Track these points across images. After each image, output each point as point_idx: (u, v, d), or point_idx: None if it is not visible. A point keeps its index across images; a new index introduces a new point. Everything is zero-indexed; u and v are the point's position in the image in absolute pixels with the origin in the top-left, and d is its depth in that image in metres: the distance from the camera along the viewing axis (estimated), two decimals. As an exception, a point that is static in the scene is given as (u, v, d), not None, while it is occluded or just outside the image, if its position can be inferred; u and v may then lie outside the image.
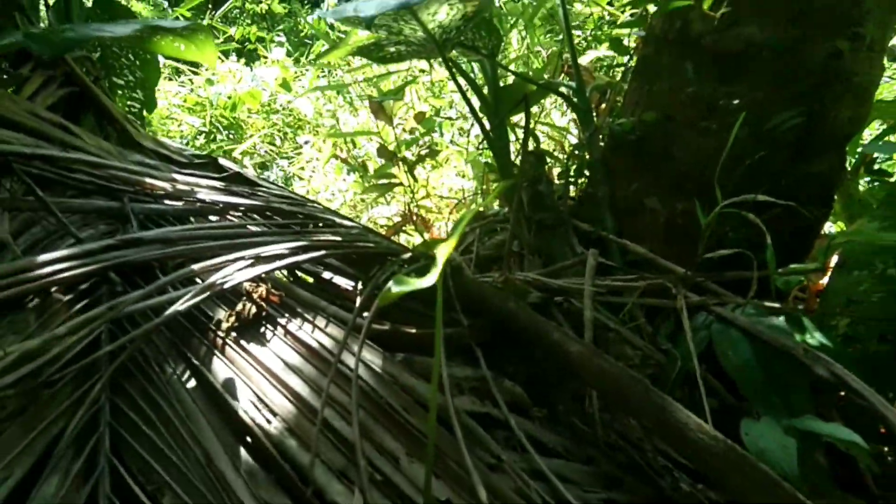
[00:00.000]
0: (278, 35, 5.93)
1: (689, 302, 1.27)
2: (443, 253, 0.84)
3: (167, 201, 1.60)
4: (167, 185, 1.65)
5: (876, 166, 1.99)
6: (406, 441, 1.00)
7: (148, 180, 1.62)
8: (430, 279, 0.77)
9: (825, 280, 1.54)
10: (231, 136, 4.45)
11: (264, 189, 1.88)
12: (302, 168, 3.82)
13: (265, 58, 5.21)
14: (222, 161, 2.04)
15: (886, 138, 1.73)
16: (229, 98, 4.44)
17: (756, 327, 1.19)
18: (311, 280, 1.48)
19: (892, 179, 1.83)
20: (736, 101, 1.41)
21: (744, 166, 1.45)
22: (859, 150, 1.91)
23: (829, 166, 1.56)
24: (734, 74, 1.43)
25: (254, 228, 1.52)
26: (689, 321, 1.24)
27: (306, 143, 4.28)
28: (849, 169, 1.92)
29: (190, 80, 4.76)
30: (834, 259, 1.54)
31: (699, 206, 1.34)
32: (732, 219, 1.33)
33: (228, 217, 1.64)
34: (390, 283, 0.74)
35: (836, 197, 1.97)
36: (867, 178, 2.05)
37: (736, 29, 1.40)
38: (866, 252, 1.48)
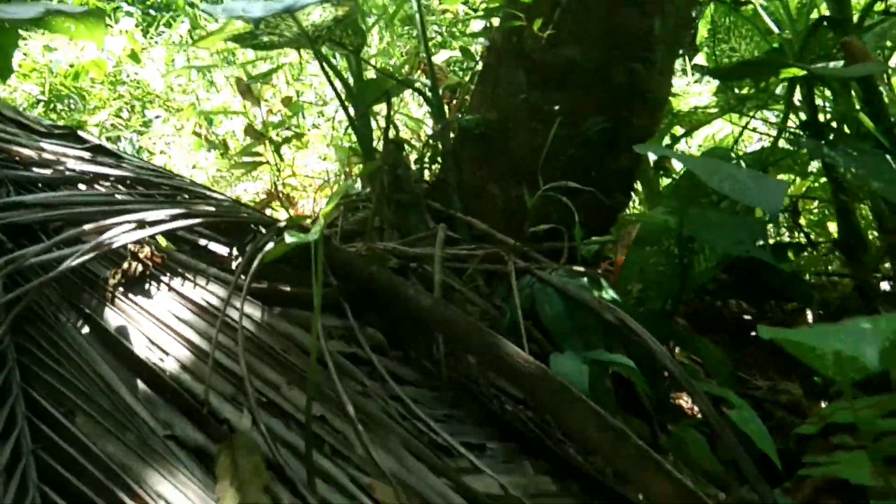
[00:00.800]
0: (128, 4, 5.69)
1: (517, 267, 1.59)
2: (324, 214, 1.07)
3: (35, 169, 1.65)
4: (33, 154, 1.70)
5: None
6: (286, 374, 1.21)
7: (15, 148, 1.67)
8: (312, 235, 1.00)
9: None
10: (72, 107, 4.26)
11: (128, 161, 1.96)
12: (154, 143, 3.79)
13: (110, 26, 5.00)
14: (81, 133, 2.08)
15: (663, 142, 2.18)
16: (71, 66, 4.25)
17: (566, 286, 1.53)
18: (187, 247, 1.62)
19: (675, 175, 2.29)
20: (557, 107, 1.75)
21: (563, 160, 1.80)
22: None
23: (629, 163, 1.96)
24: (557, 86, 1.77)
25: (128, 197, 1.63)
26: (516, 282, 1.55)
27: (157, 117, 4.21)
28: (651, 165, 2.38)
29: (25, 42, 4.48)
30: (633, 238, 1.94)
31: (527, 191, 1.67)
32: (553, 202, 1.67)
33: (97, 186, 1.73)
34: (271, 244, 0.95)
35: (640, 189, 2.42)
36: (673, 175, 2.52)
37: (558, 48, 1.74)
38: (656, 232, 1.89)
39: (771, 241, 2.64)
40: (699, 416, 1.62)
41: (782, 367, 2.10)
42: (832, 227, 2.65)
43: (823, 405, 1.75)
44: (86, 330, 1.20)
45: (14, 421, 0.97)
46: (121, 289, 1.31)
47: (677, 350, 1.80)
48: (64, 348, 1.12)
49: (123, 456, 0.96)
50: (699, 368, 1.75)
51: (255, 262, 1.37)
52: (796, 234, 2.61)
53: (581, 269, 1.59)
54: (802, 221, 2.65)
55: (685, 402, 1.86)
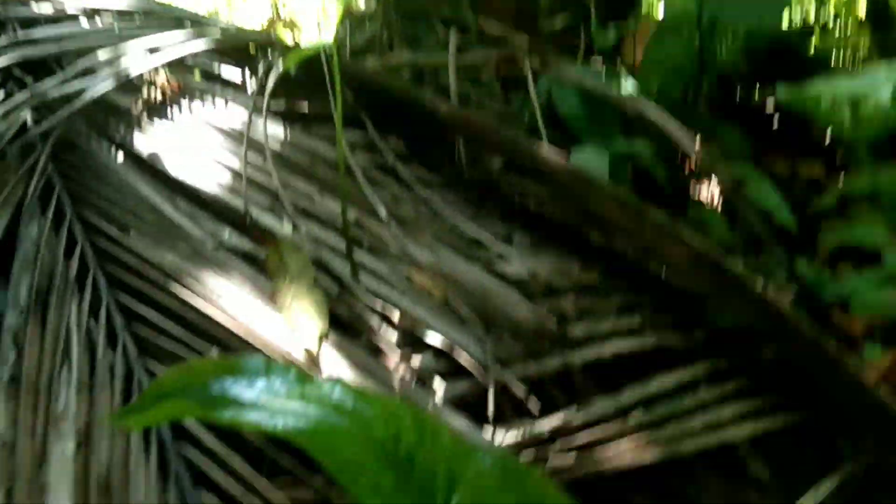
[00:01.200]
0: None
1: (532, 67, 1.57)
2: (335, 21, 1.06)
3: (35, 7, 1.62)
4: (29, -11, 1.66)
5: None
6: (317, 185, 1.27)
7: (10, -16, 1.62)
8: (326, 41, 1.00)
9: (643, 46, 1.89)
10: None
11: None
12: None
13: None
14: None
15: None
16: None
17: (583, 81, 1.52)
18: (201, 75, 1.62)
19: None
20: None
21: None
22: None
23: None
24: None
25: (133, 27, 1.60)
26: (533, 82, 1.55)
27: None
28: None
29: None
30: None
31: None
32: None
33: (98, 20, 1.70)
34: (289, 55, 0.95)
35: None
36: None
37: None
38: (676, 22, 1.83)
39: (797, 26, 2.54)
40: (718, 205, 1.67)
41: (805, 151, 2.12)
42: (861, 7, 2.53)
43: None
44: (120, 156, 1.25)
45: (74, 240, 1.05)
46: (145, 116, 1.34)
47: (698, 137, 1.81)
48: (103, 173, 1.18)
49: (180, 263, 1.05)
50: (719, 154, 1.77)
51: (271, 80, 1.38)
52: (823, 13, 2.49)
53: (598, 63, 1.57)
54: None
55: (705, 193, 1.91)
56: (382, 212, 1.22)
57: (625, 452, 0.96)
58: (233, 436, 0.83)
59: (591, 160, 1.36)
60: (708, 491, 0.99)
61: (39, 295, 0.93)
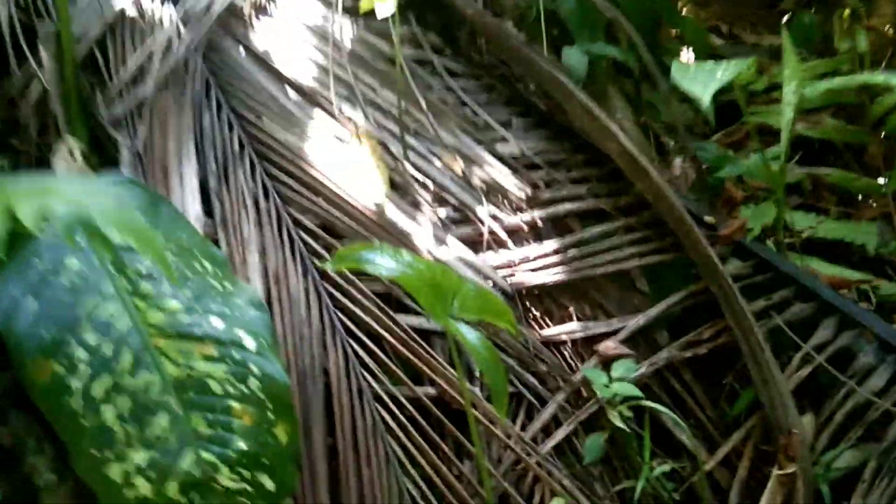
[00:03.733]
0: None
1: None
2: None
3: None
4: None
5: None
6: (378, 79, 1.87)
7: None
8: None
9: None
10: None
11: None
12: None
13: None
14: None
15: None
16: None
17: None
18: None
19: None
20: None
21: None
22: None
23: None
24: None
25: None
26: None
27: None
28: None
29: None
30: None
31: None
32: None
33: None
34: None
35: None
36: None
37: None
38: None
39: None
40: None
41: (774, 25, 2.58)
42: None
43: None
44: (242, 52, 1.84)
45: (231, 124, 1.69)
46: (254, 15, 1.89)
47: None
48: (237, 70, 1.79)
49: (298, 142, 1.70)
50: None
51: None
52: None
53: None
54: None
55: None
56: (423, 102, 1.83)
57: (560, 272, 1.70)
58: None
59: (575, 60, 1.92)
60: (608, 297, 1.75)
61: (221, 165, 1.61)
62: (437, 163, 1.76)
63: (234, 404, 0.97)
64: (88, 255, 0.97)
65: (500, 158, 1.81)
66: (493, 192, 1.76)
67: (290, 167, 1.67)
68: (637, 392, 1.51)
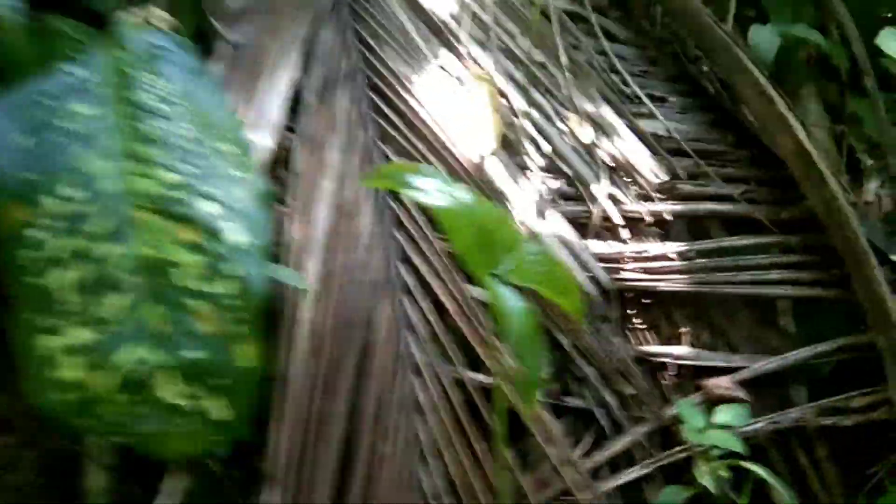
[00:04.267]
0: None
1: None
2: None
3: None
4: None
5: None
6: (520, 25, 1.65)
7: None
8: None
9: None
10: None
11: None
12: None
13: None
14: None
15: None
16: None
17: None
18: None
19: None
20: None
21: None
22: None
23: None
24: None
25: None
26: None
27: None
28: None
29: None
30: None
31: None
32: None
33: None
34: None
35: None
36: None
37: None
38: None
39: None
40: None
41: None
42: None
43: None
44: None
45: (349, 45, 1.57)
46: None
47: None
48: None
49: (415, 78, 1.53)
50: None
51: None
52: None
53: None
54: None
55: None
56: (563, 58, 1.59)
57: (682, 282, 1.38)
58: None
59: (764, 41, 1.57)
60: (736, 325, 1.40)
61: (326, 83, 1.49)
62: (562, 127, 1.51)
63: (200, 304, 0.81)
64: (105, 106, 0.87)
65: (641, 136, 1.51)
66: (620, 171, 1.47)
67: (398, 102, 1.50)
68: (742, 449, 1.16)
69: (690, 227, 1.45)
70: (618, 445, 1.26)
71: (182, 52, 1.00)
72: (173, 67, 0.96)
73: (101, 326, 0.77)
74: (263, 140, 1.29)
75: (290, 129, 1.40)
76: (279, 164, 1.36)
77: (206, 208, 0.83)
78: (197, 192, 0.83)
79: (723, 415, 1.21)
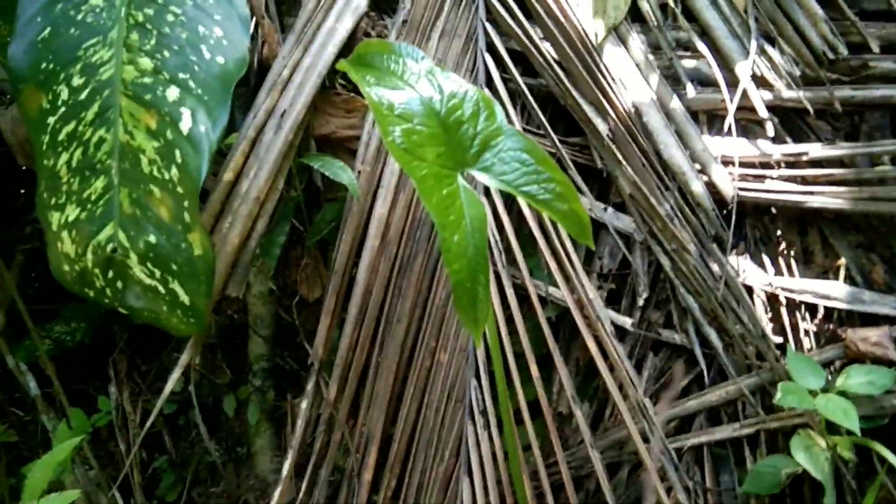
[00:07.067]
0: None
1: None
2: None
3: None
4: None
5: None
6: None
7: None
8: None
9: None
10: None
11: None
12: None
13: None
14: None
15: None
16: None
17: None
18: None
19: None
20: None
21: None
22: None
23: None
24: None
25: None
26: None
27: None
28: None
29: None
30: None
31: None
32: None
33: None
34: None
35: None
36: None
37: None
38: None
39: None
40: None
41: None
42: None
43: None
44: None
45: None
46: None
47: None
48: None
49: None
50: None
51: None
52: None
53: None
54: None
55: None
56: None
57: (838, 197, 1.03)
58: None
59: None
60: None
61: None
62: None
63: (155, 190, 0.83)
64: None
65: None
66: (781, 41, 1.12)
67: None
68: (856, 425, 0.86)
69: (869, 123, 1.07)
70: (713, 396, 1.04)
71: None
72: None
73: (87, 205, 0.83)
74: (342, 25, 1.24)
75: (389, 12, 1.33)
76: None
77: (168, 94, 0.82)
78: (167, 79, 0.83)
79: (853, 377, 0.90)
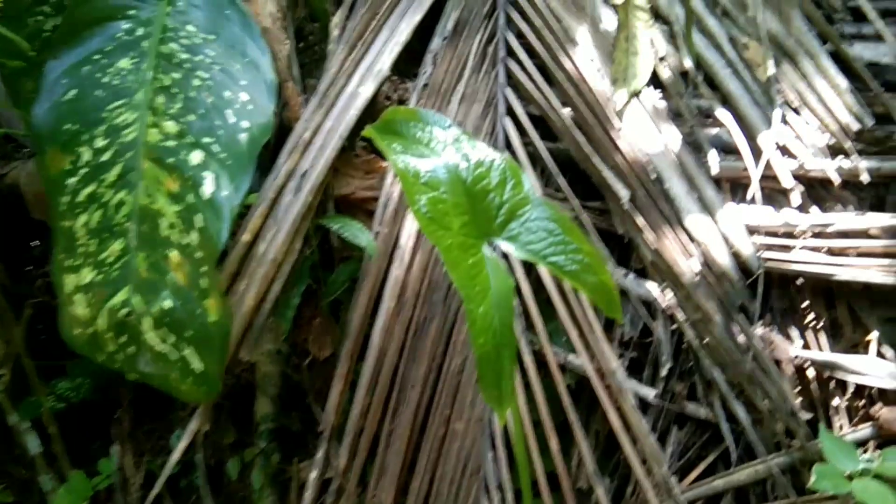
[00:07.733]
0: None
1: None
2: None
3: None
4: None
5: None
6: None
7: None
8: None
9: None
10: None
11: None
12: None
13: None
14: None
15: None
16: None
17: None
18: None
19: None
20: None
21: None
22: None
23: None
24: None
25: None
26: None
27: None
28: None
29: None
30: None
31: None
32: None
33: None
34: None
35: None
36: None
37: None
38: None
39: None
40: None
41: None
42: None
43: None
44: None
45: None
46: None
47: None
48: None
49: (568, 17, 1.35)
50: None
51: None
52: None
53: None
54: None
55: None
56: (755, -28, 1.25)
57: (877, 269, 1.02)
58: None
59: None
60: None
61: (459, 25, 1.38)
62: (732, 56, 1.20)
63: (173, 254, 0.82)
64: (142, 59, 0.91)
65: (846, 67, 1.13)
66: (805, 111, 1.12)
67: (534, 41, 1.33)
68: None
69: (894, 194, 1.06)
70: (741, 475, 1.00)
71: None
72: (208, 8, 0.95)
73: (104, 268, 0.82)
74: (364, 90, 1.25)
75: (410, 76, 1.34)
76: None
77: (191, 157, 0.83)
78: (192, 143, 0.83)
79: (890, 460, 0.87)
